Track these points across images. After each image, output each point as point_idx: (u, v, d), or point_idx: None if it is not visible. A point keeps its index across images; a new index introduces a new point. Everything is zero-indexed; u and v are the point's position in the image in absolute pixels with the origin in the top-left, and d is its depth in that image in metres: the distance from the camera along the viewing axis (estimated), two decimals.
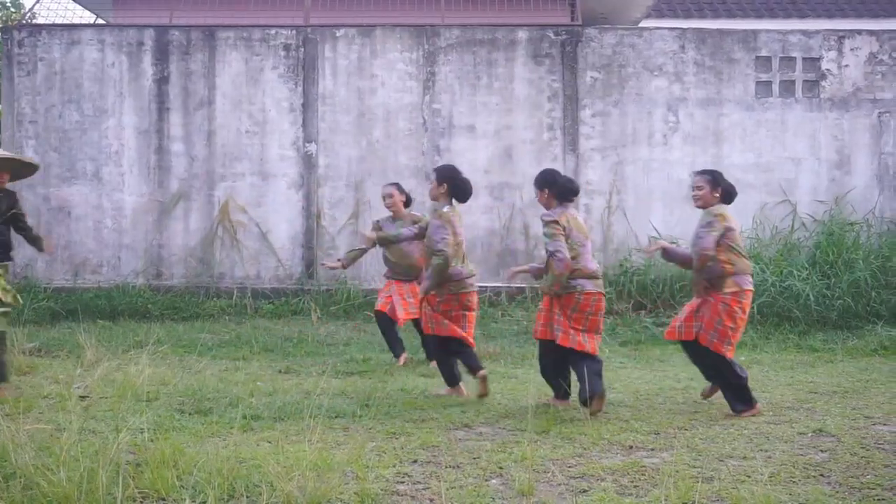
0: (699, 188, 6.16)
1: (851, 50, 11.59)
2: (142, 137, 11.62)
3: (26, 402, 5.82)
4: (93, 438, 4.54)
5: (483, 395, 6.33)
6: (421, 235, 7.04)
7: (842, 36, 11.68)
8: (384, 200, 8.12)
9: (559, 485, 4.26)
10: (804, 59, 11.58)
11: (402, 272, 7.87)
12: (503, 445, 4.98)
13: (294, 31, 11.65)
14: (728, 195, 6.16)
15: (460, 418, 5.73)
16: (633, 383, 6.96)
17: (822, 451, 4.96)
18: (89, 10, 14.11)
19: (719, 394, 6.10)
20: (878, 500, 4.05)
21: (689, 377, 7.00)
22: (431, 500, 3.97)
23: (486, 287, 9.92)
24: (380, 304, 7.94)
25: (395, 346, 8.01)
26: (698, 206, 6.19)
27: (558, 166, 11.31)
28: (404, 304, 7.71)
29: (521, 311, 10.54)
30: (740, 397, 5.89)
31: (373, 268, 11.38)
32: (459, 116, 11.55)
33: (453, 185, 6.56)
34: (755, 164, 11.21)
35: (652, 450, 4.97)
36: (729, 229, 5.96)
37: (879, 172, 11.51)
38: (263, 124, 11.59)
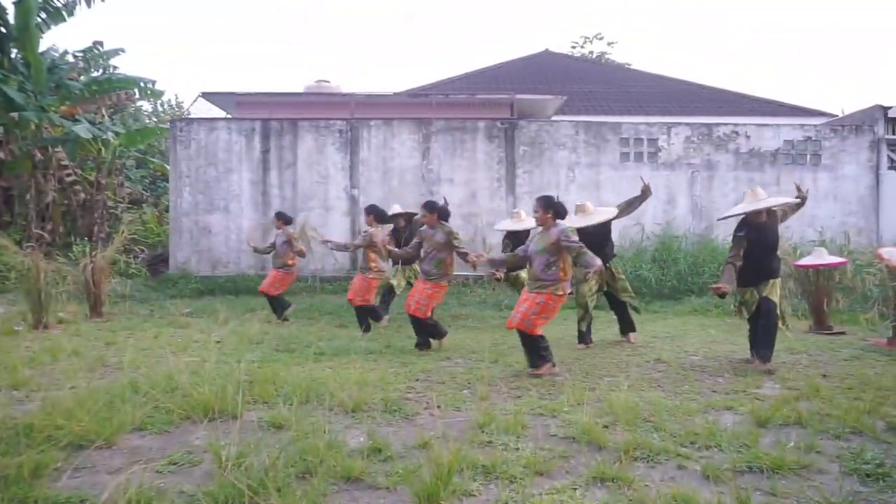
0: (536, 211, 4.78)
1: (675, 134, 11.67)
2: (253, 186, 11.52)
3: (183, 345, 5.79)
4: (224, 366, 4.54)
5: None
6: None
7: (670, 126, 11.76)
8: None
9: (504, 393, 4.28)
10: (648, 139, 11.65)
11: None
12: (471, 370, 5.00)
13: (345, 122, 11.59)
14: (559, 214, 4.82)
15: (445, 354, 5.74)
16: (546, 333, 6.90)
17: (658, 371, 5.02)
18: (222, 109, 14.03)
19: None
20: (692, 400, 4.09)
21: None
22: (427, 403, 3.97)
23: (459, 275, 9.92)
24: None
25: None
26: (539, 224, 4.82)
27: (502, 203, 11.39)
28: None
29: (482, 290, 10.55)
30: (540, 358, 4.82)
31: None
32: (444, 173, 11.51)
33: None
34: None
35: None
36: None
37: (692, 207, 11.59)
38: (326, 177, 11.50)
